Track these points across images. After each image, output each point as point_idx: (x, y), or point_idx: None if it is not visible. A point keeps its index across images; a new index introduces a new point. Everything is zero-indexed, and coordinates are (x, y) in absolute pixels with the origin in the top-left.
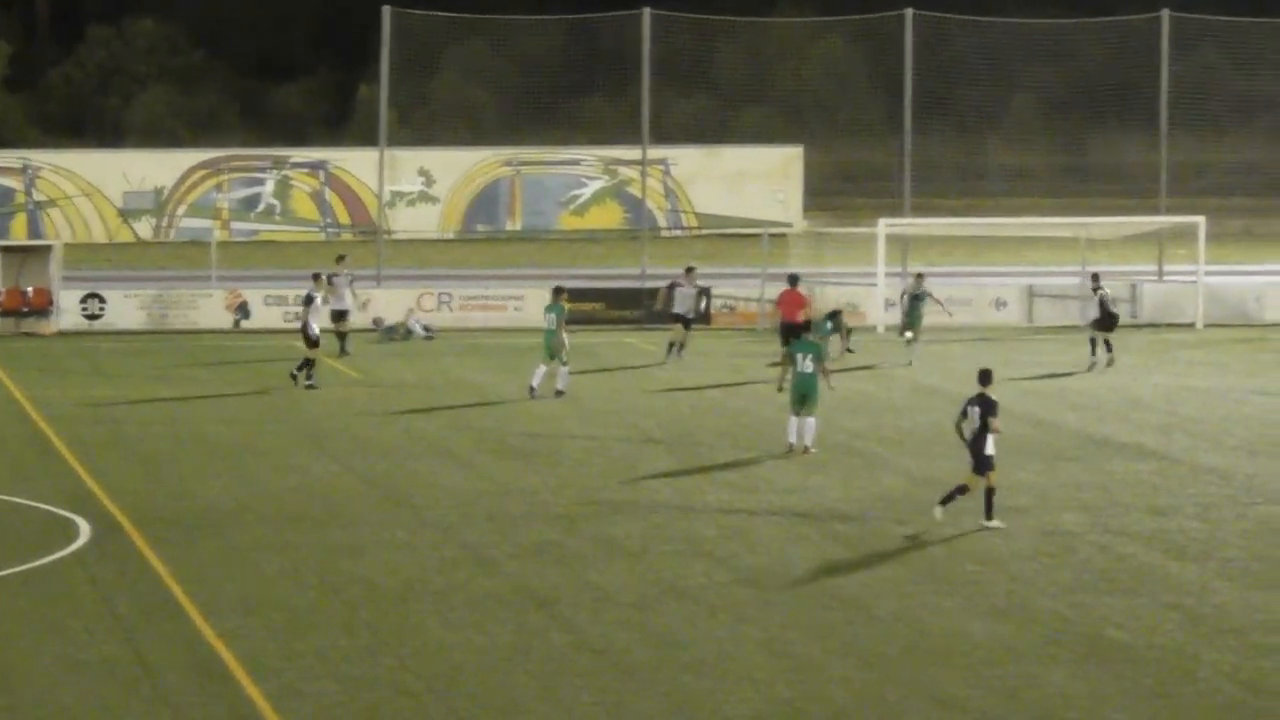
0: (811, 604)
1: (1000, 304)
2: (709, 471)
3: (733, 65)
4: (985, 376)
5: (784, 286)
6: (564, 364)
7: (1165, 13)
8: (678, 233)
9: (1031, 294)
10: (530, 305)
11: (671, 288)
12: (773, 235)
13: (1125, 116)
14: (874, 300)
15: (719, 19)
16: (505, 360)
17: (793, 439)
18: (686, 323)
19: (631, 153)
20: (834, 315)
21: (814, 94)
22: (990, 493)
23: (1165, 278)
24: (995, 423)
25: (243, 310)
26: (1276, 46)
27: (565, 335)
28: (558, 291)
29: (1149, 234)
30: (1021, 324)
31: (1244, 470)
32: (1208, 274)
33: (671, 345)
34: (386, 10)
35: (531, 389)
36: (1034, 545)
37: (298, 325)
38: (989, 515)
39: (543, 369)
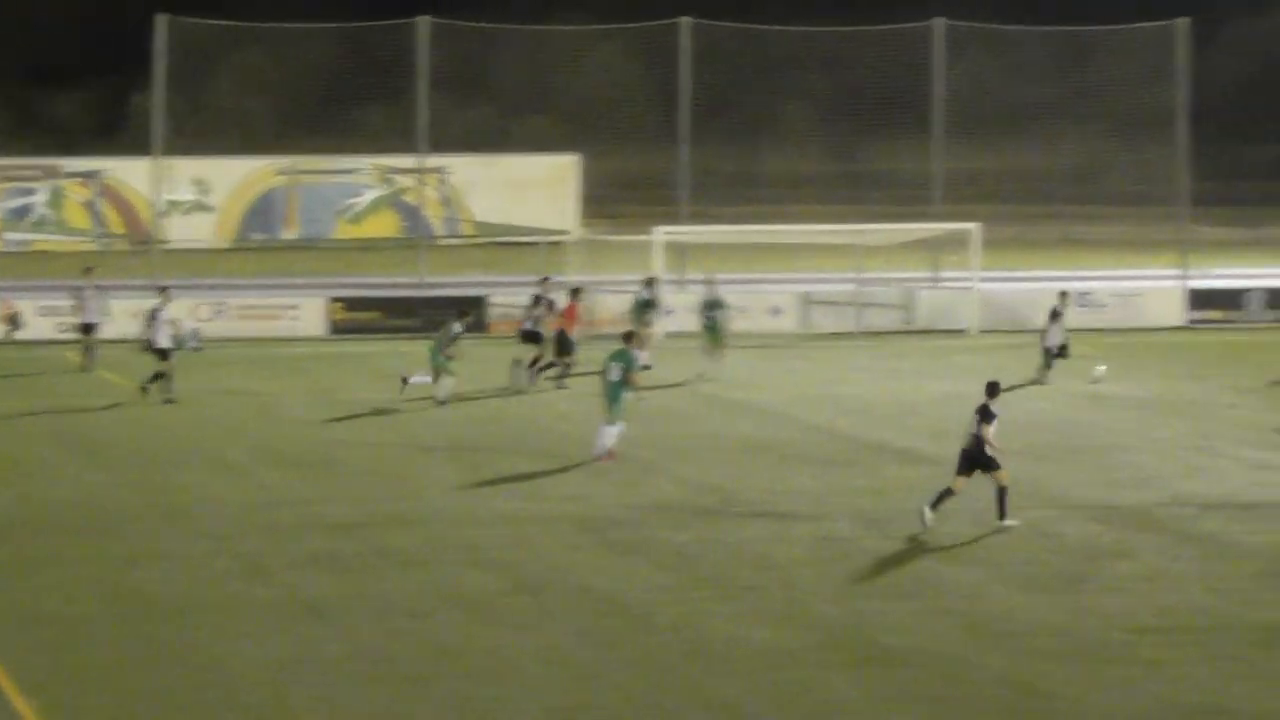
0: (590, 611)
1: (776, 311)
2: (488, 480)
3: (510, 74)
4: (992, 389)
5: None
6: (451, 375)
7: (938, 21)
8: (455, 241)
9: (807, 301)
10: (305, 315)
11: (538, 301)
12: (550, 243)
13: (899, 124)
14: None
15: (496, 27)
16: (280, 370)
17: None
18: (537, 338)
19: (409, 161)
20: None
21: (591, 102)
22: (1002, 493)
23: (940, 284)
24: (988, 430)
25: (15, 321)
26: (1046, 54)
27: (447, 354)
28: (458, 313)
29: (924, 241)
30: (797, 331)
31: (1018, 474)
32: (982, 280)
33: (526, 363)
34: (161, 18)
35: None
36: (810, 551)
37: (142, 339)
38: (1002, 515)
39: (419, 378)
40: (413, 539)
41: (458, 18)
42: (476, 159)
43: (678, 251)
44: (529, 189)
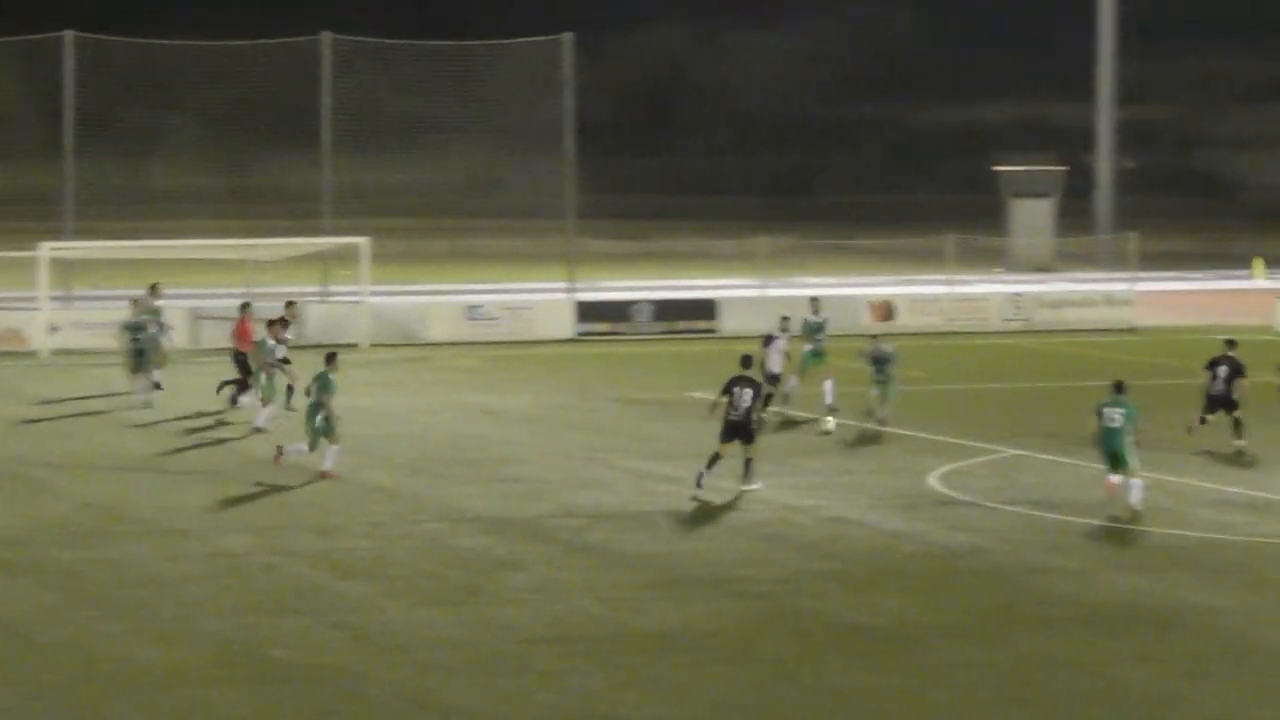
0: None
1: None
2: None
3: None
4: (746, 361)
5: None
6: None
7: (325, 34)
8: None
9: (196, 316)
10: None
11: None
12: None
13: (289, 138)
14: (36, 325)
15: None
16: None
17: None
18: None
19: None
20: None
21: None
22: (749, 462)
23: (330, 298)
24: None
25: None
26: (435, 68)
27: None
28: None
29: (314, 255)
30: (186, 347)
31: (410, 488)
32: (372, 294)
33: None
34: None
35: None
36: (201, 567)
37: None
38: (747, 480)
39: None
40: None
41: None
42: None
43: (64, 267)
44: None
